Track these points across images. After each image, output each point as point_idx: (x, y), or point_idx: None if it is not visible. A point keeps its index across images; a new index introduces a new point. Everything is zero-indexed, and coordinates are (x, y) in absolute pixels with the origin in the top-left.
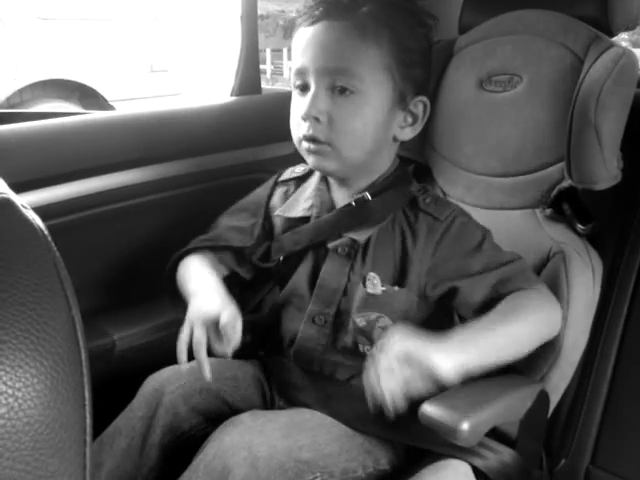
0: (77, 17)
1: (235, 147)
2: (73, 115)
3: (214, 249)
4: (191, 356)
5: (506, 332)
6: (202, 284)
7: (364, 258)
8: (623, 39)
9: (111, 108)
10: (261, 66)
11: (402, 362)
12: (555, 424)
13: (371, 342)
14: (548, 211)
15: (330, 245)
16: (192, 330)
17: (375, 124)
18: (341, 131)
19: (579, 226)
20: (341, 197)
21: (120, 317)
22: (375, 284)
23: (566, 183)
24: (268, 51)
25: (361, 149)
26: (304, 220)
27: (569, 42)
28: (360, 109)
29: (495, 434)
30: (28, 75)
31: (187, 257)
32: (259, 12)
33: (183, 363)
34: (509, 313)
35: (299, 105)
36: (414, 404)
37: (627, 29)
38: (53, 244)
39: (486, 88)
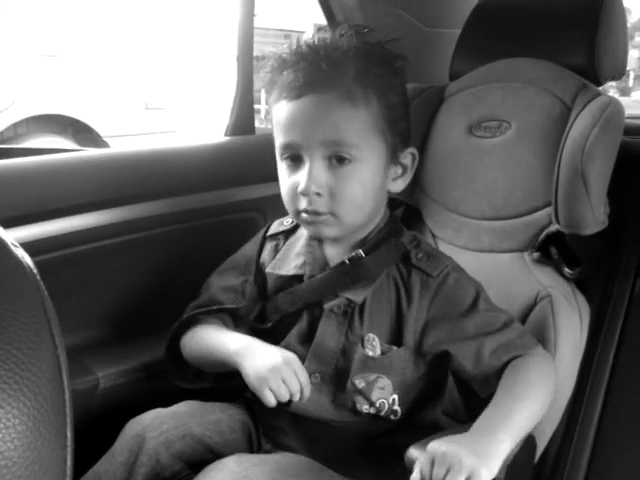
0: (74, 54)
1: (228, 186)
2: (65, 151)
3: (210, 313)
4: (174, 400)
5: (524, 415)
6: (245, 341)
7: (362, 317)
8: (611, 86)
9: (105, 144)
10: (256, 106)
11: (459, 472)
12: (542, 469)
13: (369, 402)
14: (536, 255)
15: (326, 306)
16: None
17: (373, 186)
18: (344, 201)
19: (566, 270)
20: (334, 253)
21: (104, 355)
22: (374, 346)
23: (554, 227)
24: (263, 92)
25: (362, 212)
26: (296, 278)
27: (557, 90)
28: (359, 176)
29: None
30: (23, 109)
31: (195, 327)
32: (255, 53)
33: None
34: (522, 394)
35: (292, 179)
36: (401, 448)
37: (614, 79)
38: (42, 283)
39: (475, 133)
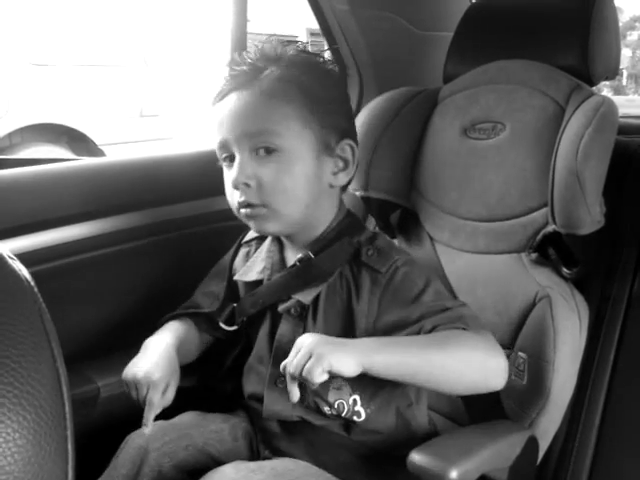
0: (68, 63)
1: (221, 193)
2: (59, 161)
3: (190, 316)
4: (177, 410)
5: (422, 355)
6: (150, 342)
7: (315, 318)
8: (605, 85)
9: (100, 152)
10: None
11: (305, 353)
12: (545, 470)
13: (328, 404)
14: (534, 255)
15: (280, 308)
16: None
17: (305, 177)
18: (273, 191)
19: (565, 270)
20: (291, 255)
21: (104, 364)
22: None
23: (550, 228)
24: None
25: (297, 204)
26: (259, 282)
27: (551, 91)
28: (286, 165)
29: None
30: (18, 119)
31: (168, 323)
32: None
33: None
34: (432, 340)
35: (228, 176)
36: (400, 451)
37: (607, 78)
38: (39, 295)
39: (470, 135)
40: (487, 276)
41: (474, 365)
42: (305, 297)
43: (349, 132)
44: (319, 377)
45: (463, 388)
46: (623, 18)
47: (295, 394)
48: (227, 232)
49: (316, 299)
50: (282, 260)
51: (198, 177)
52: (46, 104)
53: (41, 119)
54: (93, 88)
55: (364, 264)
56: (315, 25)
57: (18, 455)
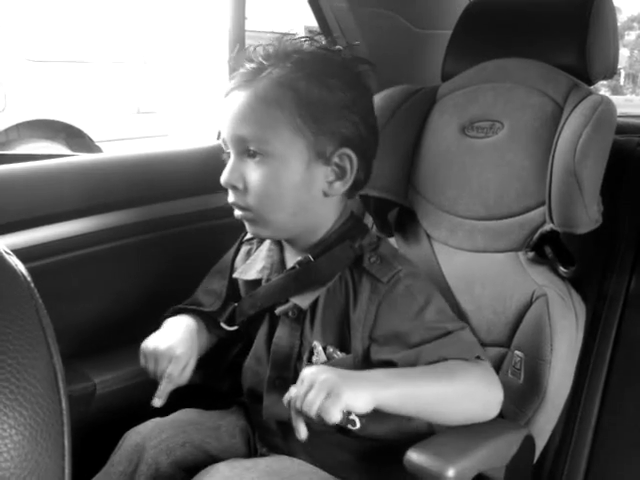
0: (65, 59)
1: (220, 190)
2: (56, 157)
3: (195, 313)
4: (173, 407)
5: (431, 389)
6: (167, 323)
7: (312, 322)
8: (602, 84)
9: (98, 149)
10: None
11: (320, 390)
12: (541, 469)
13: None
14: (531, 254)
15: (277, 311)
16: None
17: (292, 185)
18: (257, 196)
19: (562, 269)
20: (290, 257)
21: (101, 360)
22: (319, 352)
23: (548, 227)
24: None
25: (282, 211)
26: (258, 282)
27: (549, 90)
28: (273, 172)
29: None
30: (15, 115)
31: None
32: None
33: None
34: (439, 373)
35: None
36: (398, 450)
37: (605, 78)
38: (36, 291)
39: (468, 134)
40: (484, 274)
41: (477, 399)
42: (303, 301)
43: (350, 140)
44: (336, 417)
45: (463, 419)
46: (621, 18)
47: (303, 431)
48: (224, 230)
49: (314, 304)
50: (282, 261)
51: (195, 174)
52: (43, 100)
53: (38, 115)
54: (90, 85)
55: (365, 271)
56: (313, 23)
57: (14, 452)
